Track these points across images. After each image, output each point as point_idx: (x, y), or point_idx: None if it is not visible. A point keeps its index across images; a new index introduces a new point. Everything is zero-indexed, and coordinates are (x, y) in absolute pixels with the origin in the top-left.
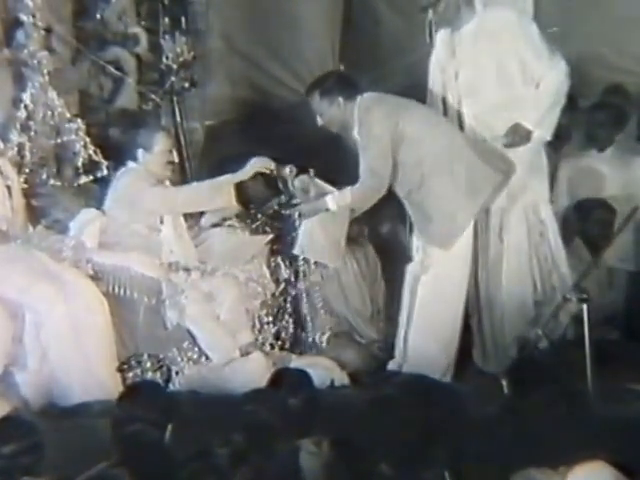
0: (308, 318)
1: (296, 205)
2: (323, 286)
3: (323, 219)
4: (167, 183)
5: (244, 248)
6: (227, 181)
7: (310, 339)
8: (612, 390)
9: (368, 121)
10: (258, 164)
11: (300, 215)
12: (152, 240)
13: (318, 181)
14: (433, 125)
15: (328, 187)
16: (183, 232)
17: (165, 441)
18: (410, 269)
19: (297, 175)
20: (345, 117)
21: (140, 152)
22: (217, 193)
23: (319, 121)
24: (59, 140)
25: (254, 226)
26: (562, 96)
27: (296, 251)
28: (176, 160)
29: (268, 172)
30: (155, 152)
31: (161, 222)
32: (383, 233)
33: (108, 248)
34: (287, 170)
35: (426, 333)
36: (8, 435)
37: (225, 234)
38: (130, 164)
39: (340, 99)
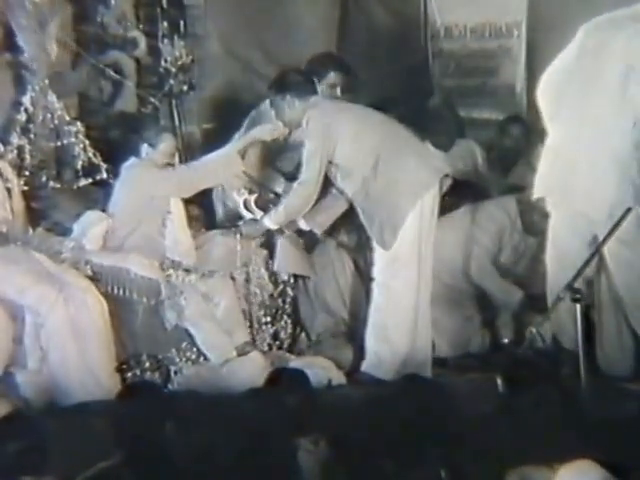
0: (306, 319)
1: (238, 226)
2: (321, 287)
3: (291, 236)
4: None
5: (241, 250)
6: (232, 150)
7: (308, 339)
8: (605, 389)
9: (306, 122)
10: (258, 132)
11: (241, 235)
12: (155, 242)
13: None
14: (369, 126)
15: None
16: (185, 229)
17: (164, 440)
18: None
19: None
20: (295, 116)
21: (144, 147)
22: (226, 165)
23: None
24: (59, 143)
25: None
26: None
27: (275, 268)
28: (177, 164)
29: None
30: (160, 149)
31: (164, 225)
32: None
33: (110, 250)
34: (235, 192)
35: (377, 335)
36: (8, 435)
37: (222, 237)
38: (133, 159)
39: (289, 97)
